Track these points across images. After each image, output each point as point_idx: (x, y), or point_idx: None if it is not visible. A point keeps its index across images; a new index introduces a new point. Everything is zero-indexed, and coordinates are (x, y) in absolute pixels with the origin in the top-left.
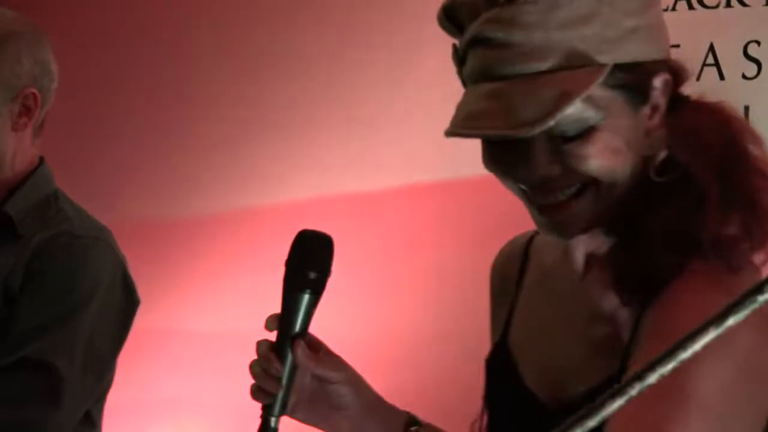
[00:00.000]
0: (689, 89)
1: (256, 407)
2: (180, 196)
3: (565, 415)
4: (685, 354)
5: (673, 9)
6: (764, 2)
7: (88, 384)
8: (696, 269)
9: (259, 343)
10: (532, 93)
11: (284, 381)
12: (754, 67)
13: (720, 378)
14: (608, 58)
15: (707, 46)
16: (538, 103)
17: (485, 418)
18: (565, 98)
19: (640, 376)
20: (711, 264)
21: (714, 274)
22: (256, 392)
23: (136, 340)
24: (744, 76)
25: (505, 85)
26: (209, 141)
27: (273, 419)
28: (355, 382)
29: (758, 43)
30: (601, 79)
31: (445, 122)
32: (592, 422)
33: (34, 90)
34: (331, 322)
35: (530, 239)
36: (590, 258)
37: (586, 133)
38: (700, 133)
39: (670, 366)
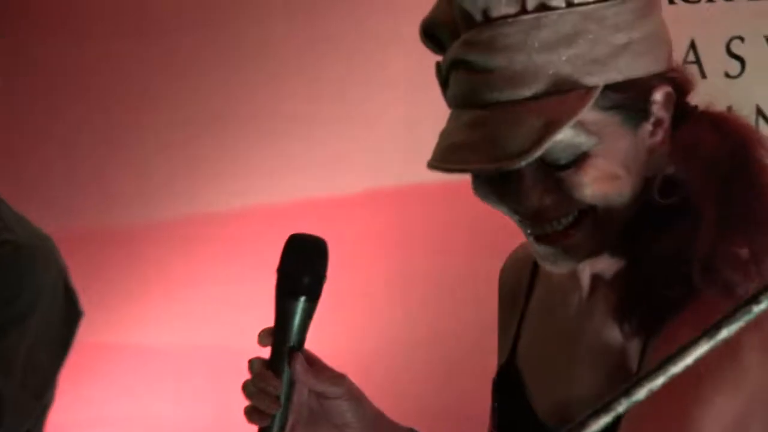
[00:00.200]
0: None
1: (220, 428)
2: (131, 202)
3: None
4: (676, 368)
5: None
6: None
7: (28, 401)
8: (702, 299)
9: (252, 362)
10: (516, 122)
11: (283, 399)
12: (737, 65)
13: (733, 411)
14: (598, 80)
15: (688, 42)
16: (523, 133)
17: None
18: (551, 128)
19: (627, 392)
20: (717, 293)
21: (721, 304)
22: (252, 414)
23: (86, 355)
24: (727, 75)
25: (488, 114)
26: (168, 143)
27: None
28: (356, 396)
29: (742, 39)
30: (590, 103)
31: (413, 124)
32: None
33: None
34: None
35: None
36: (596, 279)
37: (580, 159)
38: (700, 149)
39: (659, 381)
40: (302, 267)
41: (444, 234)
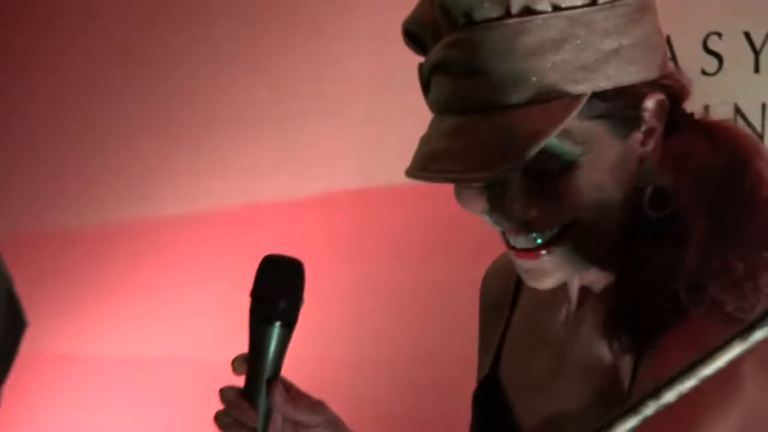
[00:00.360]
0: None
1: None
2: (78, 203)
3: None
4: (707, 371)
5: None
6: None
7: None
8: (691, 317)
9: (225, 391)
10: (498, 131)
11: (260, 430)
12: (714, 62)
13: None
14: (584, 87)
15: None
16: (505, 143)
17: None
18: (534, 138)
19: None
20: (704, 311)
21: (713, 324)
22: None
23: (32, 366)
24: (703, 72)
25: (469, 121)
26: (112, 143)
27: None
28: (334, 423)
29: (719, 35)
30: (575, 112)
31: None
32: None
33: None
34: (241, 339)
35: None
36: (585, 292)
37: (565, 170)
38: (691, 159)
39: (690, 383)
40: (277, 290)
41: (415, 240)
